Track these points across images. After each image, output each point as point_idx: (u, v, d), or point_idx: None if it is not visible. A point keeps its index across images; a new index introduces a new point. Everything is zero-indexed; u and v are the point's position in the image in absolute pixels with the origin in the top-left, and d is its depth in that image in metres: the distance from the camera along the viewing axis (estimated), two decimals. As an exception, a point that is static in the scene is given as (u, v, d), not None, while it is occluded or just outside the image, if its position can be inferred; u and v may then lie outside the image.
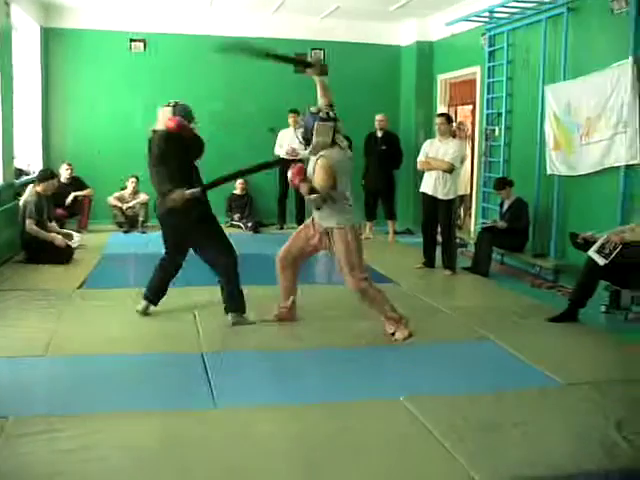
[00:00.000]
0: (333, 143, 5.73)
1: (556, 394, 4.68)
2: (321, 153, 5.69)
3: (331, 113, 5.76)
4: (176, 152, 5.97)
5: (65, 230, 9.78)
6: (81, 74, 11.93)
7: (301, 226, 6.36)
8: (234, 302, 6.24)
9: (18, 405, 4.26)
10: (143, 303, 6.42)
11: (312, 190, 5.64)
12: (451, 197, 8.53)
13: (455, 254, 8.74)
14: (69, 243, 8.98)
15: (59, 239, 8.74)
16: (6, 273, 7.98)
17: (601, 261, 6.22)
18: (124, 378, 4.82)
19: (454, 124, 11.58)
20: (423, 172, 8.79)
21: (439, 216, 8.65)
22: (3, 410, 4.10)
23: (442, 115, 9.04)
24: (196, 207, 5.99)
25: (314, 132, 5.66)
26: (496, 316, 6.64)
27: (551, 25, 8.52)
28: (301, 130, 5.90)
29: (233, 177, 6.35)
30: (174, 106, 6.10)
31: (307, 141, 5.80)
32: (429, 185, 8.61)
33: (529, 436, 3.94)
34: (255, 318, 6.26)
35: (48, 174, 9.00)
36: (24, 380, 4.79)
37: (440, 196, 8.50)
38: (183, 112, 6.09)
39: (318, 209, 5.79)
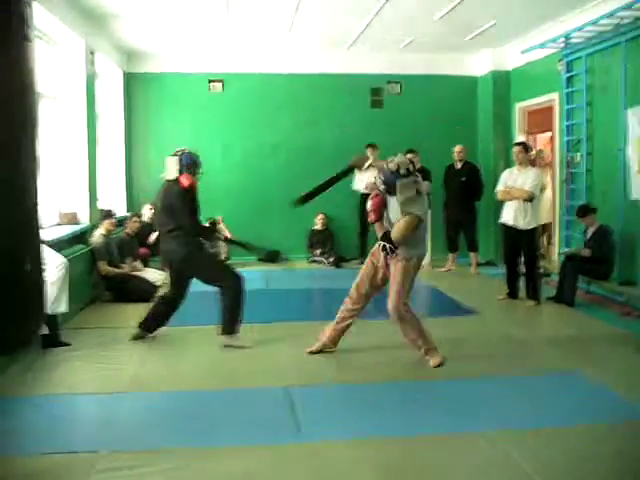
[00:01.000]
0: (417, 194, 5.82)
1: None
2: (410, 210, 5.75)
3: (410, 167, 5.86)
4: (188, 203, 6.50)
5: (148, 268, 9.99)
6: (162, 116, 12.27)
7: (368, 259, 6.36)
8: (232, 325, 6.56)
9: (106, 440, 4.34)
10: (138, 330, 6.93)
11: (385, 236, 5.84)
12: (533, 226, 8.39)
13: (539, 284, 8.57)
14: (153, 282, 9.15)
15: (130, 267, 9.11)
16: (93, 312, 8.22)
17: None
18: (207, 414, 4.85)
19: (532, 152, 11.45)
20: (503, 202, 8.68)
21: (521, 246, 8.52)
22: (92, 445, 4.19)
23: (519, 144, 8.94)
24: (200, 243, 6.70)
25: (397, 191, 5.75)
26: (584, 346, 6.50)
27: (630, 47, 8.37)
28: (381, 183, 5.93)
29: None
30: (180, 155, 6.49)
31: (388, 190, 5.89)
32: (509, 215, 8.49)
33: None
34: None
35: (105, 214, 9.22)
36: (110, 415, 4.88)
37: (521, 226, 8.37)
38: (190, 161, 6.51)
39: (387, 256, 5.94)
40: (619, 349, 6.38)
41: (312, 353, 6.30)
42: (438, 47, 12.02)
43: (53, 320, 6.36)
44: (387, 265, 6.06)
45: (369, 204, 5.97)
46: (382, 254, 6.05)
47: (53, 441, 4.34)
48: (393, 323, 6.03)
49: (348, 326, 6.35)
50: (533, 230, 8.42)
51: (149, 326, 6.95)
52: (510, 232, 8.56)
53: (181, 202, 6.45)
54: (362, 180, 11.67)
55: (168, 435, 4.46)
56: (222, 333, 6.61)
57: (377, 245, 6.18)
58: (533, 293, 8.47)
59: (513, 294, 8.75)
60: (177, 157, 6.49)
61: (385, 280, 6.17)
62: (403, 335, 6.06)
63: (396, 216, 5.86)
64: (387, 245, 5.87)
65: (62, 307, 6.35)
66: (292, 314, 7.65)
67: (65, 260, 6.49)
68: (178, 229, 6.49)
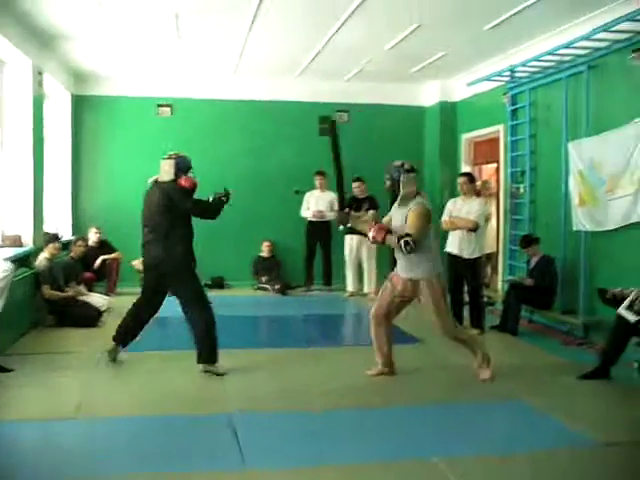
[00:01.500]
0: (417, 194, 6.16)
1: (591, 454, 4.60)
2: (416, 201, 6.08)
3: (413, 166, 6.27)
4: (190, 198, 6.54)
5: (93, 293, 9.88)
6: (110, 138, 12.18)
7: (385, 283, 6.53)
8: (210, 353, 6.51)
9: (51, 468, 4.27)
10: (112, 344, 6.83)
11: (403, 235, 5.88)
12: (476, 256, 8.52)
13: (483, 313, 8.69)
14: (98, 307, 9.05)
15: (72, 291, 8.98)
16: (36, 337, 8.06)
17: (632, 318, 6.15)
18: (154, 440, 4.81)
19: (478, 183, 11.63)
20: (447, 232, 8.79)
21: (465, 275, 8.64)
22: (37, 474, 4.12)
23: (465, 175, 9.10)
24: (193, 260, 6.58)
25: (401, 184, 6.13)
26: (526, 375, 6.59)
27: (572, 83, 8.60)
28: (388, 183, 6.33)
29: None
30: (176, 159, 6.62)
31: (394, 190, 6.28)
32: (454, 245, 8.61)
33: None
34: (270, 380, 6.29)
35: (50, 238, 9.08)
36: (56, 443, 4.81)
37: (465, 255, 8.50)
38: (185, 164, 6.64)
39: (410, 252, 5.90)
40: (561, 377, 6.48)
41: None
42: (387, 77, 12.17)
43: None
44: (405, 287, 6.24)
45: (371, 233, 6.06)
46: (400, 275, 6.25)
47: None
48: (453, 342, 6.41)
49: (388, 347, 6.48)
50: (477, 259, 8.55)
51: (123, 339, 6.83)
52: (454, 261, 8.66)
53: (182, 196, 6.44)
54: (309, 208, 11.77)
55: (112, 462, 4.40)
56: (201, 362, 6.52)
57: (394, 273, 6.39)
58: (477, 322, 8.58)
59: (457, 322, 8.83)
60: (173, 160, 6.59)
61: (402, 306, 6.44)
62: (467, 349, 6.43)
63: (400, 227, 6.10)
64: (408, 240, 5.85)
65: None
66: (237, 341, 7.63)
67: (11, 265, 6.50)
68: (176, 230, 6.44)
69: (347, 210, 6.69)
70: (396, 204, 6.32)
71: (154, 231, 6.53)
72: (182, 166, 6.59)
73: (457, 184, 8.98)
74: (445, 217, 8.73)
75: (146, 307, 6.78)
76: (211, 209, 6.73)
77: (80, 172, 12.15)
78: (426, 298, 6.14)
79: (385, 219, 6.51)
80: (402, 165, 6.25)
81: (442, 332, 6.23)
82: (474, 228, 8.36)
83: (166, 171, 6.58)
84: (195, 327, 6.53)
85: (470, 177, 8.96)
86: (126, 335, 6.83)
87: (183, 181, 6.49)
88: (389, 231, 6.10)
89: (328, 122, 6.60)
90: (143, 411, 5.42)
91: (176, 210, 6.44)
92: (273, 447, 4.69)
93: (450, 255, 8.70)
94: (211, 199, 6.72)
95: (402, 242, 5.85)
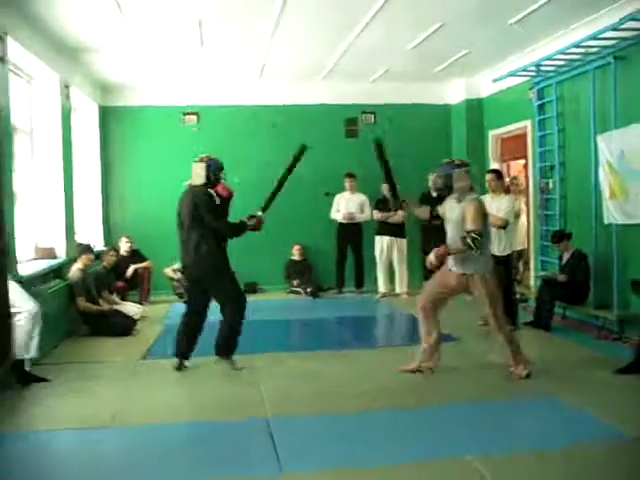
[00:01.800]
0: (471, 188, 6.22)
1: (626, 449, 4.56)
2: (470, 197, 6.15)
3: (465, 160, 6.35)
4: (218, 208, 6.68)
5: (126, 302, 9.97)
6: (137, 148, 12.29)
7: (436, 273, 6.60)
8: (229, 347, 6.80)
9: (87, 477, 4.31)
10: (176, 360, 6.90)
11: (467, 233, 5.93)
12: (507, 252, 8.47)
13: (516, 310, 8.63)
14: (131, 315, 9.12)
15: (107, 306, 9.05)
16: (71, 346, 8.14)
17: None
18: (190, 447, 4.84)
19: (507, 179, 11.57)
20: None
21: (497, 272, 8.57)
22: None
23: (492, 172, 9.02)
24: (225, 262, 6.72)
25: (453, 180, 6.15)
26: (560, 371, 6.55)
27: (599, 75, 8.52)
28: (439, 181, 6.36)
29: (278, 189, 7.15)
30: (207, 161, 6.80)
31: (443, 190, 6.35)
32: None
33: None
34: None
35: (83, 249, 9.14)
36: (91, 451, 4.84)
37: (496, 252, 8.44)
38: (216, 167, 6.82)
39: (478, 249, 5.95)
40: (596, 372, 6.43)
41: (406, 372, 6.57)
42: (411, 77, 12.15)
43: (21, 362, 6.32)
44: (459, 283, 6.34)
45: (434, 258, 6.09)
46: (453, 270, 6.33)
47: (34, 478, 4.30)
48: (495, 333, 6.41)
49: (437, 340, 6.57)
50: (508, 256, 8.49)
51: (182, 352, 6.92)
52: None
53: (207, 207, 6.55)
54: (339, 210, 11.78)
55: (148, 470, 4.43)
56: (218, 354, 6.87)
57: (445, 267, 6.45)
58: (510, 319, 8.51)
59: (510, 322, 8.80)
60: (204, 163, 6.75)
61: (447, 300, 6.64)
62: (502, 344, 6.39)
63: (454, 237, 6.21)
64: (475, 236, 5.91)
65: (31, 353, 6.31)
66: (270, 345, 7.67)
67: (37, 307, 6.35)
68: (206, 234, 6.56)
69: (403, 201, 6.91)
70: (450, 200, 6.38)
71: (186, 234, 6.68)
72: (213, 168, 6.74)
73: (485, 181, 8.92)
74: None
75: (193, 316, 6.90)
76: (230, 231, 6.79)
77: (110, 182, 12.28)
78: (480, 292, 6.20)
79: (439, 211, 6.63)
80: (452, 161, 6.38)
81: (493, 327, 6.29)
82: (504, 225, 8.31)
83: (198, 174, 6.75)
84: (223, 325, 6.79)
85: (498, 174, 8.90)
86: (185, 347, 6.92)
87: (220, 189, 6.64)
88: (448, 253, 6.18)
89: (376, 146, 6.82)
90: (178, 418, 5.45)
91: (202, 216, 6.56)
92: (309, 450, 4.69)
93: None
94: (240, 220, 6.82)
95: (469, 239, 5.90)
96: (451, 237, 6.33)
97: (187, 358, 6.92)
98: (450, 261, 6.33)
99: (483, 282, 6.17)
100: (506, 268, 8.49)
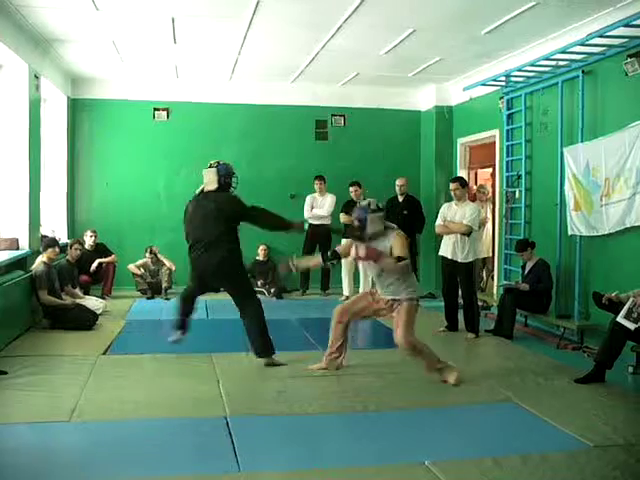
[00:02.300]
0: (385, 229, 6.41)
1: (585, 457, 4.60)
2: (393, 234, 6.39)
3: (379, 205, 6.49)
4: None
5: (89, 296, 9.90)
6: (106, 142, 12.19)
7: (364, 292, 6.98)
8: (267, 343, 6.97)
9: (44, 471, 4.27)
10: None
11: (399, 259, 6.19)
12: (470, 260, 8.53)
13: (477, 317, 8.70)
14: (94, 310, 9.05)
15: (70, 300, 8.98)
16: (31, 339, 8.04)
17: (632, 326, 6.15)
18: (149, 443, 4.80)
19: (474, 187, 11.68)
20: (441, 236, 8.82)
21: (460, 279, 8.66)
22: (28, 477, 4.11)
23: (456, 180, 9.00)
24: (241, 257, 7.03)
25: (367, 224, 6.34)
26: (521, 378, 6.60)
27: (567, 88, 8.63)
28: (356, 223, 6.48)
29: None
30: (217, 166, 6.99)
31: (362, 231, 6.44)
32: (448, 249, 8.63)
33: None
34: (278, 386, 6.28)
35: (49, 242, 9.03)
36: (48, 446, 4.79)
37: (459, 259, 8.51)
38: (226, 171, 7.02)
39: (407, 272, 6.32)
40: (556, 381, 6.49)
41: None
42: (383, 81, 12.20)
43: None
44: (384, 309, 6.56)
45: (363, 253, 6.23)
46: (382, 296, 6.53)
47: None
48: (404, 353, 6.50)
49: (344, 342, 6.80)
50: (471, 263, 8.56)
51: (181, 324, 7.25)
52: (448, 265, 8.70)
53: (239, 203, 6.98)
54: (314, 210, 11.81)
55: (106, 466, 4.40)
56: (261, 356, 6.98)
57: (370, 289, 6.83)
58: (472, 326, 8.60)
59: (452, 327, 8.87)
60: (214, 168, 6.95)
61: (373, 316, 6.95)
62: (423, 363, 6.48)
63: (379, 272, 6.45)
64: (405, 262, 6.22)
65: None
66: (230, 345, 7.65)
67: None
68: (233, 235, 6.92)
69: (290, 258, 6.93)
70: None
71: (203, 237, 6.87)
72: (223, 173, 6.95)
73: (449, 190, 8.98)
74: (439, 221, 8.73)
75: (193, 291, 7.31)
76: (277, 219, 7.16)
77: (76, 175, 12.17)
78: (402, 313, 6.34)
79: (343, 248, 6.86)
80: (368, 205, 6.45)
81: (400, 339, 6.31)
82: (468, 232, 8.37)
83: (210, 180, 6.96)
84: (252, 323, 7.01)
85: (461, 182, 8.91)
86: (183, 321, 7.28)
87: None
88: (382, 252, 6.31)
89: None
90: (137, 414, 5.41)
91: (231, 219, 6.91)
92: (268, 450, 4.69)
93: (444, 259, 8.73)
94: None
95: (403, 263, 6.18)
96: (376, 273, 6.53)
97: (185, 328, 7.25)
98: (380, 288, 6.55)
99: (407, 307, 6.35)
100: (468, 275, 8.56)
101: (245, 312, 7.02)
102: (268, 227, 7.27)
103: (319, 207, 11.85)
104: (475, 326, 8.59)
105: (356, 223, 6.48)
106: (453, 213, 8.61)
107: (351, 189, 11.35)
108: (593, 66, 8.13)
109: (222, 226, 6.84)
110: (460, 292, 8.77)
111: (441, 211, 8.85)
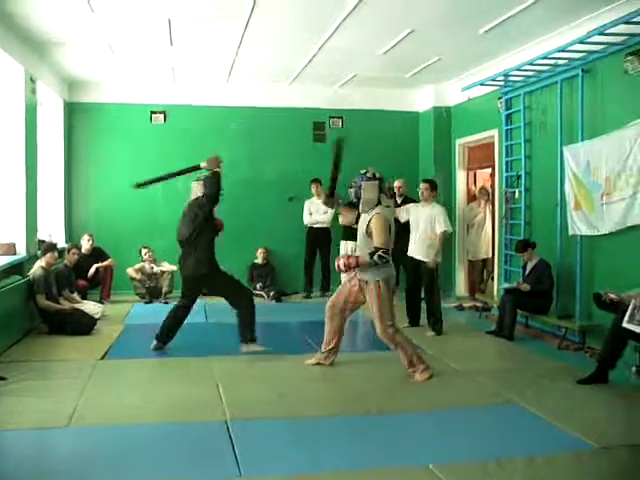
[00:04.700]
0: (379, 202, 6.43)
1: (589, 458, 4.56)
2: (374, 211, 6.38)
3: (377, 174, 6.50)
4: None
5: (86, 301, 9.84)
6: (103, 146, 12.13)
7: (345, 281, 6.99)
8: (250, 333, 7.47)
9: (42, 477, 4.23)
10: (155, 343, 7.60)
11: (374, 251, 6.24)
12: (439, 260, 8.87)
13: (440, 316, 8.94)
14: (92, 314, 8.99)
15: (68, 305, 8.96)
16: (29, 344, 8.00)
17: (638, 329, 6.09)
18: (148, 448, 4.76)
19: (474, 188, 11.64)
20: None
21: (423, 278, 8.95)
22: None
23: (427, 181, 9.22)
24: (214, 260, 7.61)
25: (362, 191, 6.41)
26: (522, 379, 6.56)
27: (567, 86, 8.58)
28: (351, 190, 6.64)
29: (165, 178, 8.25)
30: (204, 181, 7.59)
31: (357, 200, 6.58)
32: (415, 250, 8.94)
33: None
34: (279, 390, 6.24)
35: (47, 247, 8.98)
36: (47, 452, 4.77)
37: (424, 258, 8.77)
38: (211, 185, 7.52)
39: (386, 262, 6.33)
40: (558, 382, 6.45)
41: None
42: (381, 82, 12.17)
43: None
44: (360, 290, 6.63)
45: (341, 264, 6.44)
46: (358, 275, 6.61)
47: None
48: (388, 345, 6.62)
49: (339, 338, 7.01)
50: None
51: (164, 337, 7.60)
52: (415, 265, 8.97)
53: (201, 204, 7.49)
54: (312, 214, 11.79)
55: (104, 471, 4.36)
56: (243, 343, 7.46)
57: (353, 275, 6.76)
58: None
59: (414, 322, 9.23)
60: (201, 181, 7.60)
61: (355, 308, 6.91)
62: (400, 355, 6.56)
63: (361, 246, 6.56)
64: (381, 254, 6.25)
65: None
66: (231, 348, 7.59)
67: None
68: (199, 239, 7.43)
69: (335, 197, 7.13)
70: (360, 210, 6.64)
71: (186, 240, 7.52)
72: (209, 184, 7.52)
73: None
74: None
75: (185, 305, 7.69)
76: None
77: (73, 179, 12.11)
78: (370, 299, 6.47)
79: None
80: (365, 173, 6.56)
81: (379, 332, 6.50)
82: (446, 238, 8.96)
83: (195, 191, 7.70)
84: (241, 314, 7.53)
85: (432, 184, 9.14)
86: (168, 333, 7.62)
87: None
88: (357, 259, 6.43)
89: (337, 145, 6.98)
90: (137, 419, 5.37)
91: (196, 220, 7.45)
92: (269, 454, 4.64)
93: (412, 259, 8.98)
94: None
95: (376, 257, 6.22)
96: (359, 246, 6.64)
97: (166, 343, 7.61)
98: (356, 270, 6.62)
99: (374, 293, 6.42)
100: (430, 272, 8.82)
101: (235, 306, 7.60)
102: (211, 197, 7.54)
103: (317, 211, 11.82)
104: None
105: (351, 191, 6.62)
106: (416, 213, 8.92)
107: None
108: (593, 64, 8.08)
109: (191, 228, 7.43)
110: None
111: (407, 207, 9.17)
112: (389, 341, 6.51)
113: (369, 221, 6.40)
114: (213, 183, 7.50)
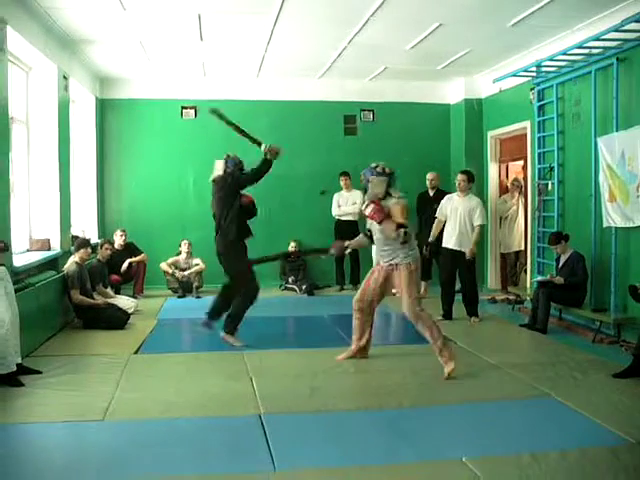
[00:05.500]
0: (386, 195, 6.45)
1: (627, 453, 4.50)
2: (392, 201, 6.44)
3: (387, 169, 6.53)
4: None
5: (120, 296, 9.92)
6: (134, 142, 12.23)
7: (369, 274, 6.96)
8: (232, 325, 7.64)
9: (78, 470, 4.27)
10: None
11: (399, 225, 6.28)
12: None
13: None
14: (125, 309, 9.06)
15: (102, 300, 9.05)
16: (64, 339, 8.09)
17: None
18: (182, 442, 4.77)
19: (506, 180, 11.55)
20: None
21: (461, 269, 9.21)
22: (63, 475, 4.11)
23: (465, 172, 9.34)
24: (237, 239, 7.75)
25: (369, 184, 6.49)
26: (557, 373, 6.50)
27: (601, 76, 8.47)
28: (363, 181, 6.71)
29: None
30: (226, 159, 7.88)
31: (365, 191, 6.70)
32: (451, 240, 9.10)
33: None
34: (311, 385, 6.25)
35: (81, 242, 9.05)
36: (83, 445, 4.80)
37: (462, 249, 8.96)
38: (233, 164, 7.88)
39: (405, 242, 6.35)
40: (593, 375, 6.39)
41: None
42: (411, 75, 12.12)
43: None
44: (386, 278, 6.70)
45: (371, 209, 6.37)
46: (382, 265, 6.70)
47: (21, 470, 4.26)
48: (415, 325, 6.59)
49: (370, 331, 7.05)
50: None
51: (213, 315, 7.86)
52: (452, 256, 9.11)
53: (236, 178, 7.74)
54: (341, 206, 11.79)
55: (141, 465, 4.38)
56: (224, 331, 7.64)
57: (378, 264, 6.84)
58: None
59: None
60: (223, 160, 7.85)
61: (382, 296, 6.90)
62: (425, 335, 6.52)
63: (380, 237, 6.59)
64: (406, 230, 6.32)
65: (15, 361, 6.07)
66: (265, 342, 7.62)
67: (14, 315, 6.09)
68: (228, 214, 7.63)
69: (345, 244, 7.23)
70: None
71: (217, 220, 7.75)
72: (230, 164, 7.83)
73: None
74: (439, 214, 9.24)
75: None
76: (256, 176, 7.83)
77: (106, 175, 12.23)
78: (402, 278, 6.49)
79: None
80: (376, 167, 6.60)
81: (406, 309, 6.52)
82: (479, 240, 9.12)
83: (218, 169, 7.86)
84: (235, 302, 7.69)
85: (469, 175, 9.25)
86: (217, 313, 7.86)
87: (245, 198, 7.78)
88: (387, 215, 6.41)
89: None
90: (170, 413, 5.39)
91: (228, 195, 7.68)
92: (303, 448, 4.65)
93: (448, 250, 9.11)
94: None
95: (401, 231, 6.26)
96: (382, 241, 6.64)
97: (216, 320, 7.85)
98: (380, 257, 6.74)
99: (405, 275, 6.48)
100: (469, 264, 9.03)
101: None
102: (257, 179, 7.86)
103: (345, 204, 11.82)
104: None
105: (364, 182, 6.68)
106: (455, 206, 8.92)
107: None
108: (628, 53, 7.94)
109: (221, 204, 7.66)
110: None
111: (442, 203, 9.22)
112: (414, 317, 6.51)
113: (389, 209, 6.44)
114: (260, 170, 7.77)
